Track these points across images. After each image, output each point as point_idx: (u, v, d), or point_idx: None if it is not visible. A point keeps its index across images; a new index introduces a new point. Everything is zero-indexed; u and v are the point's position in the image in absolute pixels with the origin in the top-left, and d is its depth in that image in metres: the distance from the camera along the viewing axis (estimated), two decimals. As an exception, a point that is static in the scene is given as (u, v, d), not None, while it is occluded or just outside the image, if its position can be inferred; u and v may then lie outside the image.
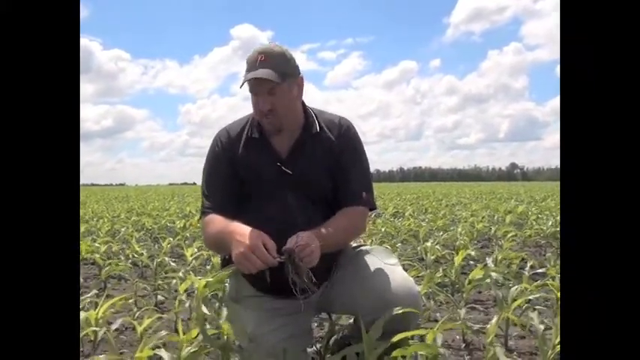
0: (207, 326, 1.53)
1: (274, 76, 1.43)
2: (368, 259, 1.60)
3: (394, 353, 1.31)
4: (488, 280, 2.40)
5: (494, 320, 1.69)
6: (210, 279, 1.35)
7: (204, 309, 1.30)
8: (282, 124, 1.54)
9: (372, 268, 1.55)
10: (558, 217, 6.95)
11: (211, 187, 1.60)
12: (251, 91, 1.50)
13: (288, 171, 1.55)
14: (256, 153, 1.57)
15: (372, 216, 7.40)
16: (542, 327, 1.65)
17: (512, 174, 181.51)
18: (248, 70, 1.47)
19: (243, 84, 1.46)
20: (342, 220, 1.52)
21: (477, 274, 2.49)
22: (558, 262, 3.07)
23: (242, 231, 1.33)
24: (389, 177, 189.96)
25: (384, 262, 1.58)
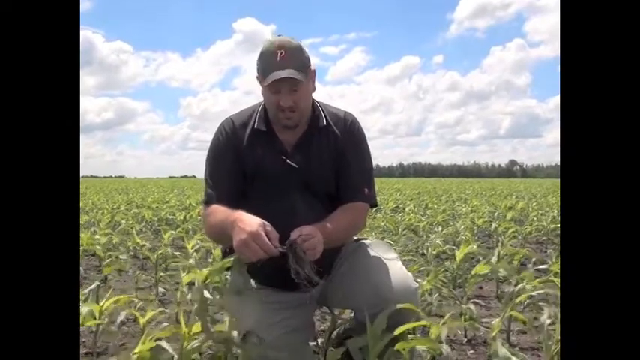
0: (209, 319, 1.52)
1: (299, 75, 1.42)
2: (367, 253, 1.59)
3: (397, 346, 1.30)
4: (500, 272, 2.38)
5: (500, 316, 1.68)
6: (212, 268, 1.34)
7: (207, 294, 1.28)
8: (301, 120, 1.53)
9: (371, 263, 1.54)
10: (559, 214, 6.94)
11: (215, 176, 1.57)
12: (271, 88, 1.46)
13: (293, 164, 1.53)
14: (262, 146, 1.55)
15: (373, 210, 7.39)
16: (549, 321, 1.64)
17: (511, 171, 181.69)
18: (267, 65, 1.44)
19: (268, 83, 1.42)
20: (343, 216, 1.51)
21: (480, 269, 2.48)
22: (559, 258, 3.07)
23: (244, 219, 1.31)
24: (389, 172, 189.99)
25: (383, 256, 1.57)
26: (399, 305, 1.37)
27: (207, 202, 1.55)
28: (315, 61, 1.55)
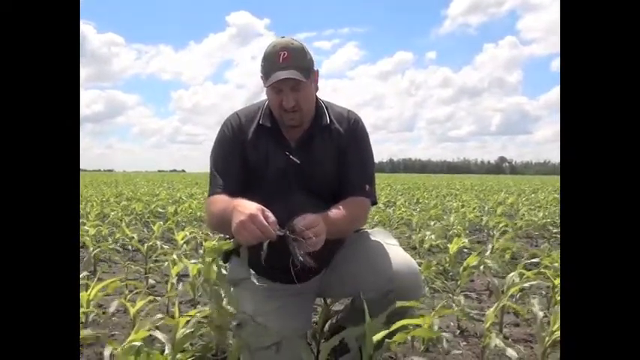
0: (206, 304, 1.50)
1: (300, 75, 1.43)
2: (369, 240, 1.60)
3: (395, 338, 1.29)
4: (490, 264, 2.39)
5: (492, 308, 1.68)
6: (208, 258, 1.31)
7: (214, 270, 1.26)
8: (304, 120, 1.55)
9: (374, 248, 1.55)
10: (549, 209, 7.00)
11: (220, 169, 1.57)
12: (274, 88, 1.48)
13: (296, 160, 1.55)
14: (266, 141, 1.57)
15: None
16: (541, 314, 1.65)
17: (500, 167, 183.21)
18: (270, 67, 1.46)
19: (270, 84, 1.44)
20: (345, 209, 1.51)
21: (472, 261, 2.48)
22: (552, 252, 3.09)
23: (243, 204, 1.30)
24: (379, 168, 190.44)
25: (384, 241, 1.58)
26: (399, 303, 1.35)
27: (212, 194, 1.55)
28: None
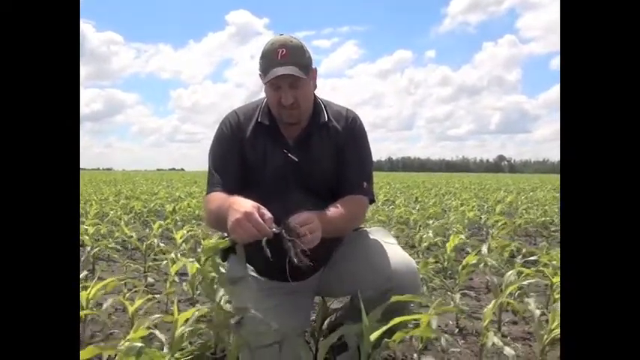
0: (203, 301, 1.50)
1: (299, 72, 1.44)
2: (367, 238, 1.61)
3: (395, 336, 1.29)
4: (485, 264, 2.39)
5: (490, 305, 1.69)
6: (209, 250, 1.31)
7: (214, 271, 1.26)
8: (302, 117, 1.56)
9: (372, 246, 1.55)
10: (547, 208, 7.01)
11: (218, 166, 1.58)
12: (272, 85, 1.48)
13: (294, 158, 1.55)
14: (264, 139, 1.58)
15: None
16: (538, 312, 1.65)
17: (499, 166, 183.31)
18: (268, 64, 1.46)
19: (268, 80, 1.45)
20: (342, 207, 1.51)
21: (471, 259, 2.49)
22: (550, 250, 3.09)
23: (239, 201, 1.31)
24: (377, 167, 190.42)
25: (383, 240, 1.58)
26: (393, 298, 1.36)
27: (210, 192, 1.55)
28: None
